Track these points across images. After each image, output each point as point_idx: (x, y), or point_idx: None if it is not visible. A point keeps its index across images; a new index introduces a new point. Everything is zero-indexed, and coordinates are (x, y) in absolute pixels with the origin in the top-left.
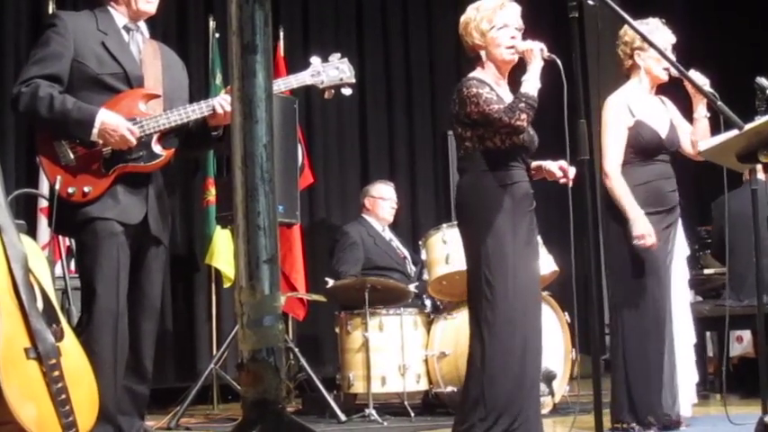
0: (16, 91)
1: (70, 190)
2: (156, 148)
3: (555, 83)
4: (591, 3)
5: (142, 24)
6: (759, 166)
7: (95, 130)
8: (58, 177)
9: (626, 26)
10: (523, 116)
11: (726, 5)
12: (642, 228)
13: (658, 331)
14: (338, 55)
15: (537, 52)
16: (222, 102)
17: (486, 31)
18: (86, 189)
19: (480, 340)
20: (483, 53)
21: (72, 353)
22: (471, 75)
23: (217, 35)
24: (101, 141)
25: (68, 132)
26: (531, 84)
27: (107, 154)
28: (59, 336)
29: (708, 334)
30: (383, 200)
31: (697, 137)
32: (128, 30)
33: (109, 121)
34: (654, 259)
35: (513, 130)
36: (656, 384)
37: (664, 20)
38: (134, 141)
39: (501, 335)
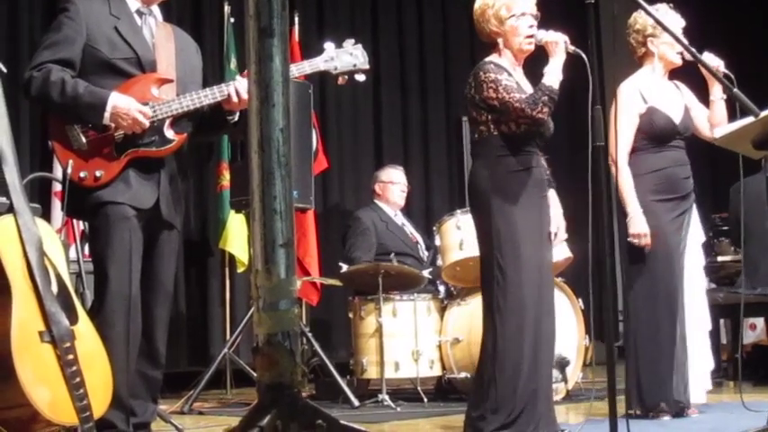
0: (28, 75)
1: (82, 174)
2: (169, 133)
3: (568, 68)
4: None
5: (155, 8)
6: None
7: (107, 114)
8: (70, 161)
9: (635, 14)
10: (545, 109)
11: None
12: (638, 226)
13: (671, 318)
14: (352, 41)
15: (561, 45)
16: (238, 86)
17: (504, 19)
18: (98, 173)
19: (492, 326)
20: (500, 41)
21: (86, 336)
22: (488, 59)
23: (232, 20)
24: (113, 125)
25: (80, 116)
26: (554, 76)
27: (119, 138)
28: (74, 319)
29: (721, 321)
30: (393, 184)
31: (714, 119)
32: (140, 14)
33: (120, 104)
34: (666, 246)
35: (533, 122)
36: (667, 371)
37: (672, 4)
38: (146, 124)
39: (512, 320)
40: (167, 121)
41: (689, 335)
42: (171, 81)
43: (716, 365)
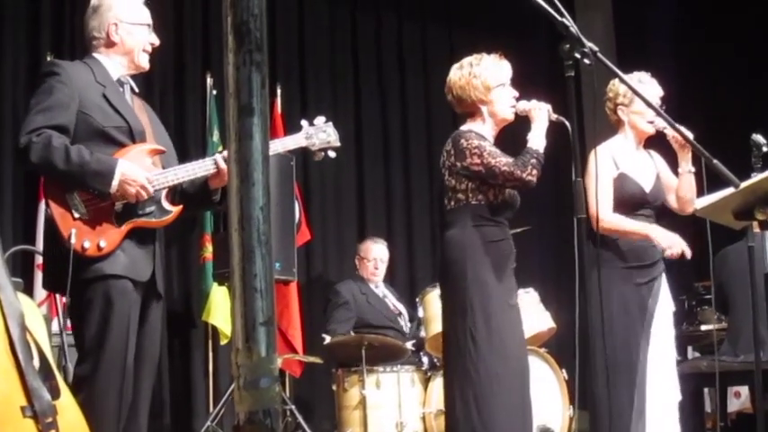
0: (25, 141)
1: (86, 244)
2: (166, 204)
3: (551, 135)
4: (587, 63)
5: (130, 79)
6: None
7: (115, 182)
8: (73, 230)
9: (611, 83)
10: (534, 171)
11: (717, 60)
12: (666, 239)
13: (628, 389)
14: (323, 119)
15: (544, 112)
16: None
17: (492, 87)
18: (102, 243)
19: (464, 400)
20: (485, 108)
21: (68, 410)
22: (467, 127)
23: (214, 92)
24: (118, 193)
25: (86, 184)
26: (539, 140)
27: (119, 208)
28: (56, 394)
29: (706, 390)
30: (366, 260)
31: (682, 192)
32: (121, 83)
33: (128, 172)
34: (628, 315)
35: (522, 185)
36: None
37: (650, 73)
38: (152, 191)
39: (487, 392)
40: (164, 192)
41: (654, 406)
42: (163, 151)
43: None
